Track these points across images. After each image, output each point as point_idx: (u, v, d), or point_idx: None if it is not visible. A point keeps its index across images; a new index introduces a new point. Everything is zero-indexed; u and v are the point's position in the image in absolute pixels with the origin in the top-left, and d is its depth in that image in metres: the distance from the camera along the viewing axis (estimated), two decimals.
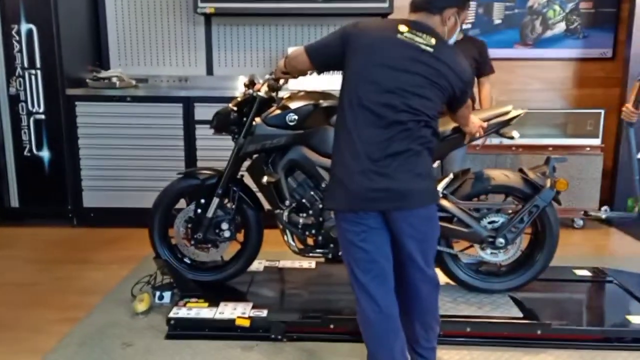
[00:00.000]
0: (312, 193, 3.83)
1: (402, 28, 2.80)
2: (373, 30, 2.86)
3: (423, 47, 2.75)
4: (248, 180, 4.03)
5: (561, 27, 6.30)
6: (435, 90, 2.78)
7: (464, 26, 5.57)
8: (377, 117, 2.75)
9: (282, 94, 3.95)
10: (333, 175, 2.90)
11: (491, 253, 3.96)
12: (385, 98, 2.74)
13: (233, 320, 3.66)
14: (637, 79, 4.13)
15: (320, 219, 3.82)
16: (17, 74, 5.64)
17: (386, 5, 5.73)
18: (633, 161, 4.25)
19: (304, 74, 3.31)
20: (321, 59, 3.03)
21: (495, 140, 5.44)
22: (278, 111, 3.79)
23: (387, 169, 2.74)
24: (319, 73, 3.17)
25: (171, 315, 3.74)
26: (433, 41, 2.78)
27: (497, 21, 6.29)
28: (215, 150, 5.26)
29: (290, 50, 5.70)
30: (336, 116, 2.94)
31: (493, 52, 5.86)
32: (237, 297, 4.00)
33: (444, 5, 2.83)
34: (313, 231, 3.85)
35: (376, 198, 2.76)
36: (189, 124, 5.67)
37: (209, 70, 6.32)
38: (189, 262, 4.17)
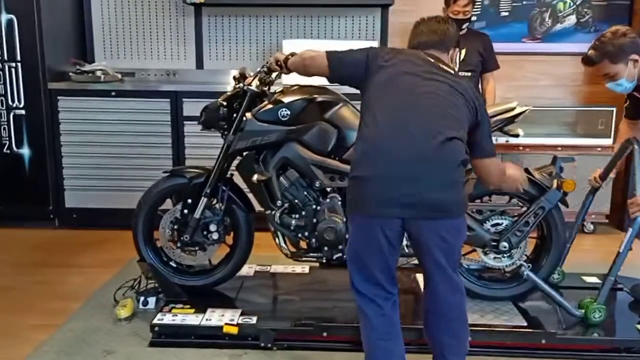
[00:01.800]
0: (305, 193, 3.83)
1: (422, 53, 3.14)
2: (398, 51, 3.19)
3: (444, 66, 3.09)
4: (238, 180, 4.03)
5: (572, 20, 6.30)
6: (461, 99, 2.98)
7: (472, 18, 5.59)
8: (411, 118, 2.90)
9: (275, 88, 3.96)
10: (354, 176, 2.97)
11: (494, 258, 3.96)
12: (419, 100, 2.94)
13: (221, 327, 3.67)
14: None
15: (314, 220, 3.81)
16: None
17: None
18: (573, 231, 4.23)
19: (309, 76, 3.44)
20: (341, 67, 3.19)
21: (501, 139, 5.43)
22: (270, 106, 3.79)
23: (419, 173, 2.82)
24: (330, 81, 3.31)
25: (155, 321, 3.74)
26: (451, 66, 3.18)
27: (504, 13, 6.29)
28: (205, 148, 5.24)
29: (286, 43, 5.73)
30: (359, 120, 3.09)
31: (500, 46, 5.88)
32: (226, 303, 4.00)
33: (450, 45, 3.24)
34: (306, 233, 3.85)
35: (405, 204, 2.83)
36: (177, 120, 5.67)
37: (199, 64, 6.31)
38: (175, 265, 4.16)
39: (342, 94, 3.86)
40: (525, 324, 3.76)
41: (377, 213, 2.87)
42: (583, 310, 3.77)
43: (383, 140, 2.90)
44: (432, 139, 2.83)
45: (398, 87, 3.00)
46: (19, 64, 5.64)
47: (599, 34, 3.67)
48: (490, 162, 3.23)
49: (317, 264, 4.04)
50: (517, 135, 4.16)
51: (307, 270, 4.59)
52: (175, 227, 4.06)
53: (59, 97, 5.69)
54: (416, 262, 3.33)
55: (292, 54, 3.63)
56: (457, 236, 2.97)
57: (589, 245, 5.52)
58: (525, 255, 4.02)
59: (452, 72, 3.09)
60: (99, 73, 5.87)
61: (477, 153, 3.16)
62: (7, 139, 5.76)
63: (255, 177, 3.78)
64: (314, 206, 3.82)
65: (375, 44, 5.78)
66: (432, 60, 3.09)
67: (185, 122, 5.65)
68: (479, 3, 6.19)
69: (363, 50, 3.21)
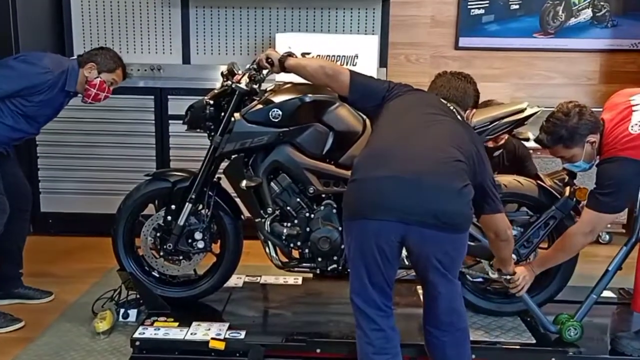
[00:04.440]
0: (298, 199, 3.84)
1: (441, 99, 3.41)
2: (418, 89, 3.49)
3: (458, 116, 3.34)
4: (225, 184, 4.05)
5: (587, 14, 6.32)
6: (470, 143, 3.15)
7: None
8: (421, 135, 3.10)
9: (266, 86, 3.98)
10: (353, 179, 3.09)
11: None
12: (432, 123, 3.16)
13: (206, 342, 3.68)
14: None
15: (308, 229, 3.83)
16: None
17: None
18: None
19: (318, 84, 3.68)
20: (362, 94, 3.46)
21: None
22: (260, 106, 3.80)
23: (424, 180, 2.91)
24: (343, 100, 3.62)
25: (136, 335, 3.75)
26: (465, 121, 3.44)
27: (515, 6, 6.30)
28: (191, 149, 5.28)
29: (279, 37, 5.72)
30: (371, 132, 3.37)
31: (509, 42, 5.94)
32: (212, 316, 4.02)
33: (468, 105, 3.50)
34: (299, 243, 3.86)
35: (406, 208, 2.89)
36: (162, 118, 5.69)
37: (186, 59, 6.31)
38: (157, 275, 4.19)
39: None
40: (534, 341, 3.79)
41: (373, 216, 2.91)
42: (559, 326, 3.78)
43: (390, 146, 3.05)
44: (440, 155, 2.98)
45: (413, 109, 3.25)
46: None
47: (551, 116, 3.67)
48: (499, 217, 3.33)
49: (310, 275, 4.06)
50: (527, 139, 4.18)
51: (299, 281, 4.60)
52: (158, 234, 4.07)
53: None
54: None
55: (289, 54, 3.68)
56: (460, 250, 3.05)
57: (604, 256, 5.51)
58: None
59: (466, 123, 3.39)
60: None
61: (485, 209, 3.27)
62: None
63: (244, 182, 3.79)
64: (307, 214, 3.83)
65: (375, 38, 5.80)
66: (450, 107, 3.34)
67: (170, 121, 5.67)
68: None
69: (385, 82, 3.52)
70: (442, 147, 3.03)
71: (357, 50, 5.64)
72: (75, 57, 4.44)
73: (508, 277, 3.71)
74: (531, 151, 5.66)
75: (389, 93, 3.39)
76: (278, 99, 3.79)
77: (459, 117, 3.32)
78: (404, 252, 3.11)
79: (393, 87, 3.43)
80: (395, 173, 2.92)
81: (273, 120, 3.75)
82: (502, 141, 4.79)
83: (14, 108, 4.06)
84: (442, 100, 3.36)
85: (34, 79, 4.05)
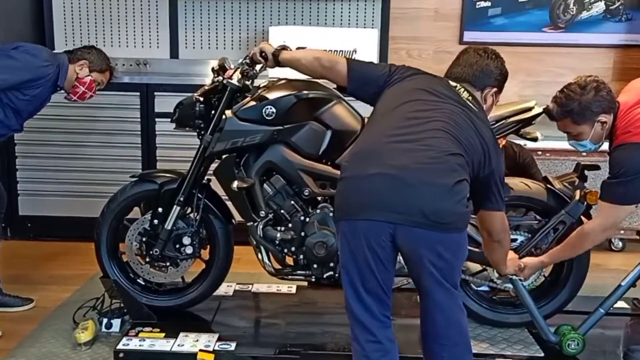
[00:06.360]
0: (292, 202, 3.86)
1: (449, 81, 3.27)
2: (422, 72, 3.37)
3: (467, 101, 3.16)
4: (216, 186, 4.06)
5: (600, 7, 6.33)
6: (473, 134, 3.04)
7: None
8: (415, 128, 2.99)
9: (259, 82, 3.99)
10: (341, 178, 3.06)
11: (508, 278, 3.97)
12: (428, 114, 3.04)
13: (194, 354, 3.69)
14: None
15: (302, 233, 3.84)
16: None
17: None
18: None
19: (307, 75, 3.63)
20: (362, 82, 3.40)
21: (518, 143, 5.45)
22: (253, 103, 3.81)
23: (413, 177, 2.85)
24: (342, 91, 3.60)
25: (120, 346, 3.77)
26: (478, 104, 3.22)
27: None
28: (180, 149, 5.28)
29: (272, 30, 5.74)
30: (366, 124, 3.30)
31: (517, 37, 5.92)
32: (200, 326, 4.03)
33: (486, 83, 3.32)
34: (293, 248, 3.87)
35: (394, 207, 2.85)
36: (148, 116, 5.68)
37: (173, 53, 6.31)
38: (143, 283, 4.20)
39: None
40: (542, 354, 3.81)
41: (361, 215, 2.88)
42: (559, 338, 3.78)
43: (379, 141, 2.99)
44: (433, 149, 2.91)
45: (410, 97, 3.14)
46: None
47: (566, 87, 3.65)
48: (498, 216, 3.29)
49: (305, 283, 4.06)
50: (535, 139, 4.18)
51: (293, 290, 4.61)
52: (144, 239, 4.08)
53: None
54: None
55: (284, 47, 3.68)
56: (456, 253, 2.97)
57: (617, 264, 5.53)
58: (544, 276, 4.05)
59: (475, 108, 3.16)
60: None
61: (485, 205, 3.24)
62: None
63: (235, 183, 3.79)
64: (302, 217, 3.84)
65: (375, 32, 5.81)
66: (458, 90, 3.20)
67: (156, 119, 5.66)
68: None
69: (385, 66, 3.44)
70: (436, 140, 2.95)
71: (356, 45, 5.64)
72: (60, 51, 4.44)
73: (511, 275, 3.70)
74: (540, 152, 5.71)
75: (389, 78, 3.33)
76: (272, 95, 3.80)
77: (469, 100, 3.18)
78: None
79: (394, 72, 3.35)
80: (382, 170, 2.88)
81: (266, 118, 3.76)
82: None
83: (6, 101, 4.07)
84: (451, 83, 3.24)
85: (37, 72, 4.10)
